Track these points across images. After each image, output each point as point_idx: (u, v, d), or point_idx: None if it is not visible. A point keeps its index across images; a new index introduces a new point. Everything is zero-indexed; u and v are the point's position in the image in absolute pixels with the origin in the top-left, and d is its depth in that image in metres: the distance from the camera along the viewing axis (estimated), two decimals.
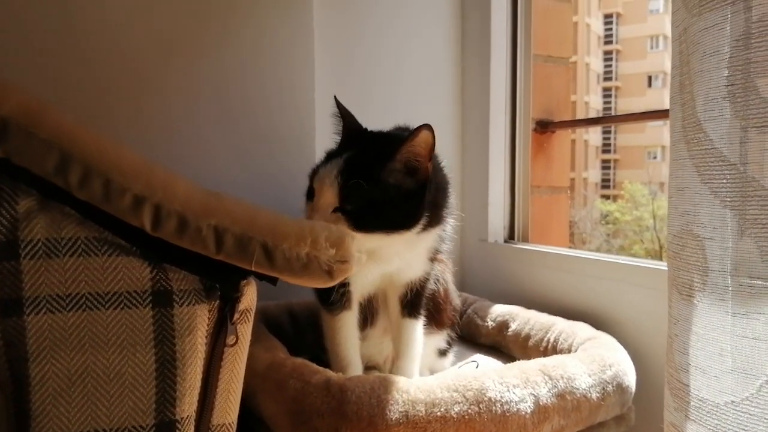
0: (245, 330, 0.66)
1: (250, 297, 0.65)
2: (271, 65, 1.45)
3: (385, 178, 0.90)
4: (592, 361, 1.01)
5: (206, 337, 0.61)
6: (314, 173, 0.95)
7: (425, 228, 0.95)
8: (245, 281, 0.63)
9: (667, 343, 0.64)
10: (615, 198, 18.93)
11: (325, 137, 1.16)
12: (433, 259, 1.08)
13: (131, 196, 0.53)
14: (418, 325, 1.07)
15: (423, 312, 1.08)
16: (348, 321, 1.02)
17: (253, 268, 0.56)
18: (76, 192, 0.52)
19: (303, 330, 1.34)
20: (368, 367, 1.11)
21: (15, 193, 0.53)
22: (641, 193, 16.43)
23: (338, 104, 1.02)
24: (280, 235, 0.55)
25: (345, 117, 1.02)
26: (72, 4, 1.25)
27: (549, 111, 1.73)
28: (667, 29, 22.02)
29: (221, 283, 0.61)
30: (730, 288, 0.56)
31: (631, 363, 1.07)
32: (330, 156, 0.97)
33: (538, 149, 1.71)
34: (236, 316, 0.63)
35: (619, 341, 1.12)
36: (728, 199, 0.55)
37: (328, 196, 0.89)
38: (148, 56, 1.33)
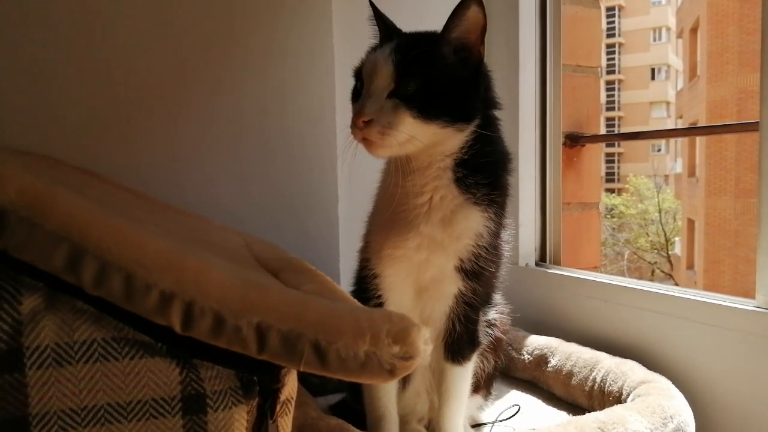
0: (286, 422, 0.57)
1: (291, 385, 0.56)
2: (293, 83, 1.40)
3: (442, 54, 0.79)
4: (652, 412, 0.93)
5: None
6: (362, 65, 0.83)
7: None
8: (286, 369, 0.54)
9: None
10: (620, 191, 18.79)
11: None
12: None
13: (158, 293, 0.43)
14: (467, 372, 0.92)
15: (475, 353, 0.93)
16: None
17: (302, 369, 0.46)
18: (90, 290, 0.43)
19: None
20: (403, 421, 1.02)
21: (17, 290, 0.44)
22: (646, 186, 16.29)
23: (374, 7, 0.90)
24: (334, 331, 0.45)
25: (382, 20, 0.89)
26: (90, 23, 1.19)
27: (578, 124, 1.63)
28: (670, 21, 21.79)
29: (260, 376, 0.52)
30: None
31: (691, 411, 0.98)
32: (375, 48, 0.85)
33: (568, 164, 1.62)
34: (277, 408, 0.54)
35: (674, 383, 1.03)
36: None
37: (383, 78, 0.76)
38: (165, 76, 1.27)
